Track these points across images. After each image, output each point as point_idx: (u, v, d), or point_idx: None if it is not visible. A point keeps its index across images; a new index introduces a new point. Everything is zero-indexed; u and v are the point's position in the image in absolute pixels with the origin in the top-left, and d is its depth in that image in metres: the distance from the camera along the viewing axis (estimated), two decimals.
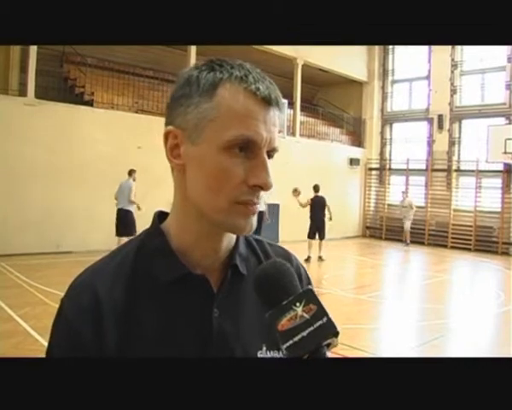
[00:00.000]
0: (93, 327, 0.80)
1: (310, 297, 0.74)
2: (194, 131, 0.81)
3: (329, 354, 0.72)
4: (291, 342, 0.70)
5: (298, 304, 0.73)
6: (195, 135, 0.81)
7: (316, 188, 12.00)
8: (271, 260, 0.87)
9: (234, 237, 0.93)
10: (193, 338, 0.84)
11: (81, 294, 0.83)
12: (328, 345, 0.72)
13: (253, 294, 0.90)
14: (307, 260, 11.43)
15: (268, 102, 0.81)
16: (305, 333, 0.71)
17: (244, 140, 0.79)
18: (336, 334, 0.72)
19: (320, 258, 11.76)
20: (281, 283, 0.77)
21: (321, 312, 0.73)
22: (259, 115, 0.80)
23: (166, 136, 0.85)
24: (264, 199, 9.86)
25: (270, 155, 0.83)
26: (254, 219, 0.84)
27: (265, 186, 0.81)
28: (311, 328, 0.71)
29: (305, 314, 0.72)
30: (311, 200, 11.91)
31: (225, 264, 0.91)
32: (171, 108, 0.86)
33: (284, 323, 0.72)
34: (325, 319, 0.72)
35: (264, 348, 0.88)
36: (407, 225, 15.93)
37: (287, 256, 1.00)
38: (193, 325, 0.85)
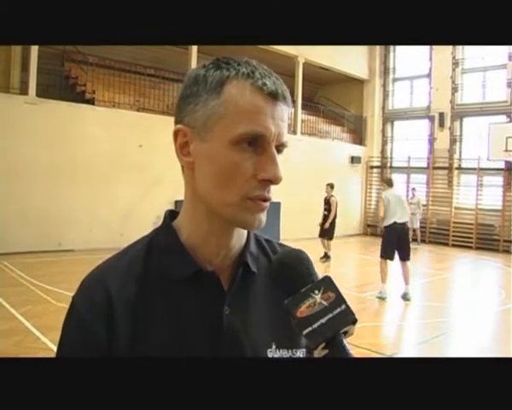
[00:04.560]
0: (105, 323, 0.81)
1: (328, 285, 0.75)
2: (203, 128, 0.82)
3: (346, 343, 0.72)
4: (310, 329, 0.71)
5: (316, 291, 0.74)
6: (204, 132, 0.82)
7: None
8: (288, 249, 0.89)
9: (244, 235, 0.93)
10: (203, 335, 0.85)
11: (93, 290, 0.84)
12: (345, 333, 0.73)
13: (264, 292, 0.92)
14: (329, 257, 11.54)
15: (275, 96, 0.81)
16: (323, 320, 0.72)
17: (253, 135, 0.80)
18: (354, 321, 0.73)
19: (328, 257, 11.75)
20: (298, 271, 0.78)
21: (339, 299, 0.74)
22: (267, 110, 0.80)
23: (176, 134, 0.86)
24: None
25: (279, 150, 0.84)
26: (263, 215, 0.85)
27: (275, 180, 0.82)
28: (330, 315, 0.72)
29: (323, 302, 0.73)
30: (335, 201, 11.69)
31: (236, 262, 0.91)
32: (179, 108, 0.87)
33: (303, 310, 0.73)
34: (343, 307, 0.73)
35: (274, 347, 0.89)
36: (416, 223, 15.85)
37: None
38: (204, 322, 0.85)
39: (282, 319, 0.89)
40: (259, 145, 0.81)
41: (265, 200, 0.83)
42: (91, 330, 0.81)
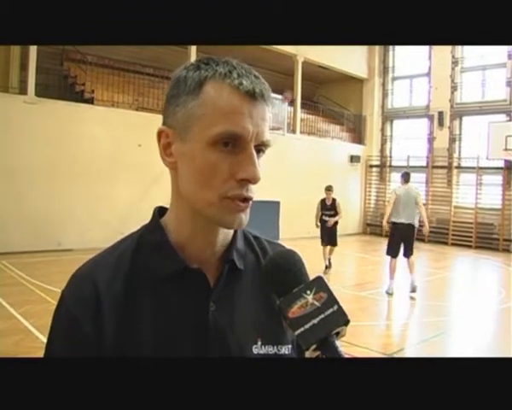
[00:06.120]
0: (93, 317, 0.83)
1: (320, 285, 0.74)
2: (183, 129, 0.83)
3: (338, 344, 0.72)
4: (302, 329, 0.71)
5: (308, 292, 0.74)
6: (184, 133, 0.83)
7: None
8: (281, 250, 0.89)
9: (231, 232, 0.94)
10: (189, 332, 0.85)
11: (82, 285, 0.86)
12: (337, 334, 0.73)
13: (250, 289, 0.93)
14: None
15: (252, 95, 0.81)
16: (315, 321, 0.71)
17: (230, 135, 0.80)
18: (347, 322, 0.72)
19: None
20: (291, 271, 0.78)
21: (331, 300, 0.73)
22: (244, 110, 0.81)
23: (159, 135, 0.88)
24: None
25: (261, 150, 0.84)
26: (244, 214, 0.85)
27: (253, 179, 0.82)
28: (322, 315, 0.72)
29: (315, 302, 0.73)
30: None
31: (222, 259, 0.92)
32: (164, 109, 0.88)
33: (295, 310, 0.72)
34: (336, 307, 0.73)
35: (260, 343, 0.89)
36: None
37: None
38: (189, 318, 0.86)
39: (267, 316, 0.91)
40: (238, 145, 0.81)
41: (245, 199, 0.83)
42: (78, 324, 0.82)
